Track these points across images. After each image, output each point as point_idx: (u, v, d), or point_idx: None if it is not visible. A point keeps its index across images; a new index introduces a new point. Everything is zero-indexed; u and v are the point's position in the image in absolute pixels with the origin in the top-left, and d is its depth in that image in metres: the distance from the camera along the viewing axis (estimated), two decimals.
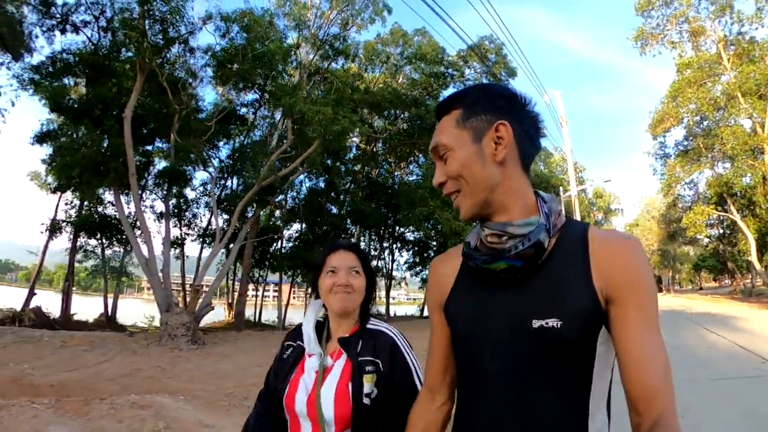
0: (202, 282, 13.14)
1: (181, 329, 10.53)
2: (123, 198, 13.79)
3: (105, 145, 12.44)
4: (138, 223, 13.13)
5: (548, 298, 0.80)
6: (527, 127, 0.88)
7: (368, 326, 1.30)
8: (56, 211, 19.04)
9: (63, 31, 13.82)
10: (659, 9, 21.68)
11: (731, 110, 19.68)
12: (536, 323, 0.80)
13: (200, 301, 11.86)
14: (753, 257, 22.13)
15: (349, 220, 20.09)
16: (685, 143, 24.92)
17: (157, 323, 18.65)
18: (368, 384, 1.19)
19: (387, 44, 21.30)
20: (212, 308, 13.22)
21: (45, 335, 10.01)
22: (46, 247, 21.90)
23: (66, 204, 18.61)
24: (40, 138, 14.71)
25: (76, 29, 13.85)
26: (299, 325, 1.37)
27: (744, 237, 22.74)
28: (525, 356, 0.81)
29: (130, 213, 17.78)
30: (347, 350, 1.25)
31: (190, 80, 13.01)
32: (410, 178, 24.80)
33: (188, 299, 12.65)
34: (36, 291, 19.41)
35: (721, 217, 25.73)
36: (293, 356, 1.31)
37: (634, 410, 0.75)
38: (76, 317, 17.95)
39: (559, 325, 0.78)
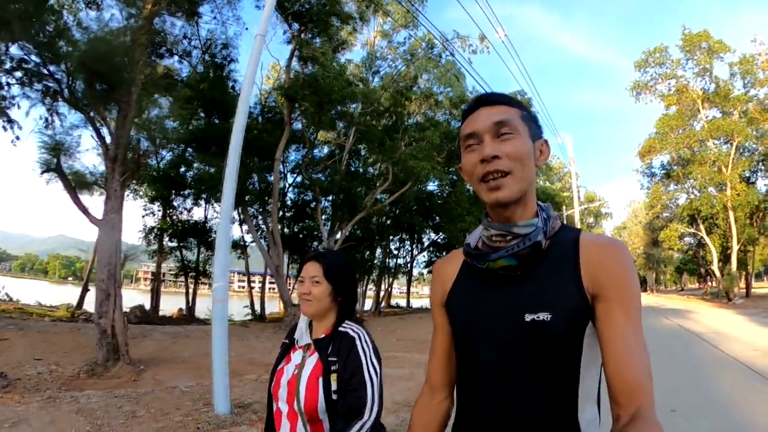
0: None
1: None
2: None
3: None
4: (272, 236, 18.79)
5: (540, 294, 0.93)
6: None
7: (340, 328, 1.55)
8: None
9: (161, 57, 14.27)
10: (653, 67, 28.41)
11: (702, 153, 26.50)
12: (528, 317, 0.91)
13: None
14: (715, 267, 29.21)
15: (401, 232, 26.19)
16: (668, 167, 31.74)
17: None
18: (334, 382, 1.44)
19: (419, 69, 27.20)
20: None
21: (182, 330, 12.10)
22: (97, 244, 26.35)
23: (145, 210, 21.31)
24: (176, 163, 19.52)
25: (175, 55, 14.87)
26: (294, 325, 1.69)
27: (710, 250, 29.81)
28: (518, 348, 0.93)
29: (201, 219, 22.80)
30: (319, 351, 1.51)
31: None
32: (429, 187, 31.03)
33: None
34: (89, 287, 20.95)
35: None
36: (283, 352, 1.64)
37: (615, 402, 0.84)
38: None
39: (549, 318, 0.90)
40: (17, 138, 11.37)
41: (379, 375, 1.47)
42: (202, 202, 22.24)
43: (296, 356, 1.57)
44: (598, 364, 0.95)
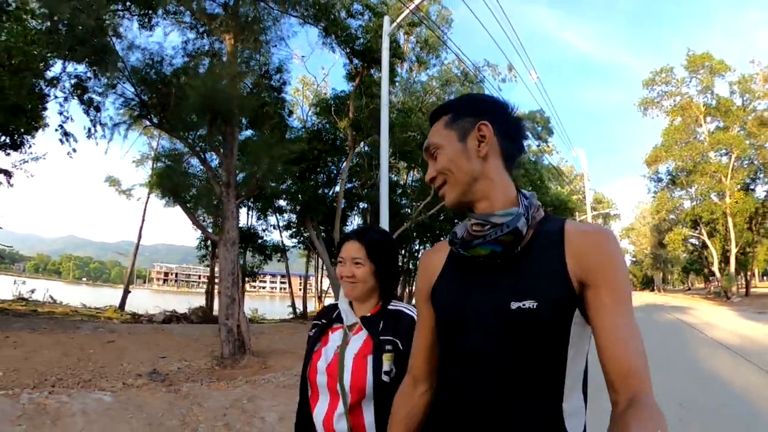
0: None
1: None
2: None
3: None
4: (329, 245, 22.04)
5: (526, 282, 0.94)
6: (509, 129, 1.06)
7: (389, 307, 1.50)
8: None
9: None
10: (659, 86, 31.77)
11: (704, 164, 29.84)
12: (514, 305, 0.92)
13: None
14: (715, 267, 32.52)
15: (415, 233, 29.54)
16: (673, 174, 34.84)
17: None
18: (387, 362, 1.36)
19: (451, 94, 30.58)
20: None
21: (253, 328, 11.82)
22: (137, 248, 27.32)
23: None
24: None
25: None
26: (326, 306, 1.68)
27: (712, 252, 33.07)
28: (504, 336, 0.94)
29: (251, 227, 24.82)
30: (368, 328, 1.45)
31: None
32: None
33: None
34: (130, 289, 22.79)
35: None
36: (318, 333, 1.56)
37: (611, 387, 0.85)
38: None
39: (534, 306, 0.91)
40: (74, 150, 13.03)
41: None
42: (250, 211, 24.68)
43: (336, 336, 1.51)
44: (585, 353, 0.98)
